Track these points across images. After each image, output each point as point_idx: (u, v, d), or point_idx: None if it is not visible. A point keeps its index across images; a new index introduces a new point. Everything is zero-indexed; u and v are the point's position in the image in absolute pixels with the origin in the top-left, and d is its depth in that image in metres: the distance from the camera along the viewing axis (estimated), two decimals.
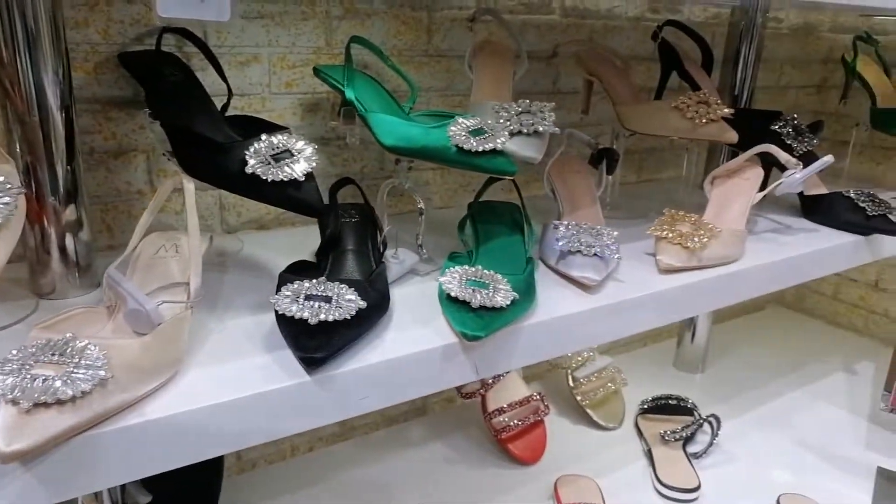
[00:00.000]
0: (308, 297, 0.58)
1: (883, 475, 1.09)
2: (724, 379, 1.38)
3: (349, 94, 0.75)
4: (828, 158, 0.92)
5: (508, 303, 0.63)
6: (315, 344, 0.55)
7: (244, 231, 0.92)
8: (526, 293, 0.67)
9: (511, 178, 0.72)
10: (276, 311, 0.58)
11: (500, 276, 0.67)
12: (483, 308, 0.62)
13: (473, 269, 0.67)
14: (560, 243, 0.77)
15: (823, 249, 0.96)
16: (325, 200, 0.69)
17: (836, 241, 0.98)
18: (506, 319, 0.63)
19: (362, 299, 0.59)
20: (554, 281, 0.77)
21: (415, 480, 1.03)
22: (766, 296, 1.73)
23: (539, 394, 1.12)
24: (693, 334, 1.39)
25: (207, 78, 0.79)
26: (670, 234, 0.83)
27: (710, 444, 1.12)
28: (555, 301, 0.71)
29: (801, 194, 1.07)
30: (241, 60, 0.86)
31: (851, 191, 1.04)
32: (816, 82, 1.60)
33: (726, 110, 0.93)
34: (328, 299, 0.58)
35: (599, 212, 0.88)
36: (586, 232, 0.79)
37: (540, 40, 1.09)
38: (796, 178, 0.92)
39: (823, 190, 1.08)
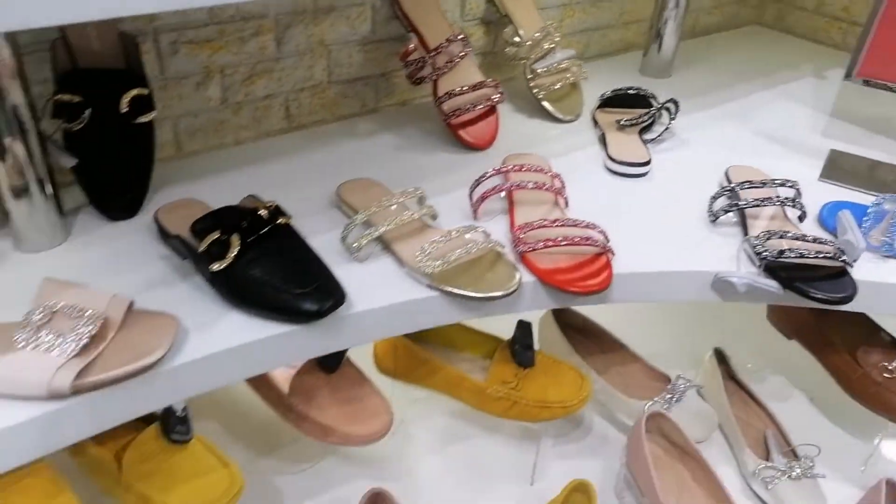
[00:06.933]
0: None
1: (835, 154, 1.09)
2: (691, 82, 1.33)
3: None
4: None
5: None
6: None
7: None
8: None
9: None
10: None
11: None
12: None
13: None
14: None
15: None
16: None
17: None
18: None
19: None
20: None
21: (362, 164, 1.01)
22: (745, 15, 1.64)
23: (493, 79, 1.06)
24: (660, 46, 1.32)
25: None
26: None
27: (667, 128, 1.10)
28: None
29: None
30: None
31: None
32: None
33: None
34: None
35: None
36: None
37: None
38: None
39: None
